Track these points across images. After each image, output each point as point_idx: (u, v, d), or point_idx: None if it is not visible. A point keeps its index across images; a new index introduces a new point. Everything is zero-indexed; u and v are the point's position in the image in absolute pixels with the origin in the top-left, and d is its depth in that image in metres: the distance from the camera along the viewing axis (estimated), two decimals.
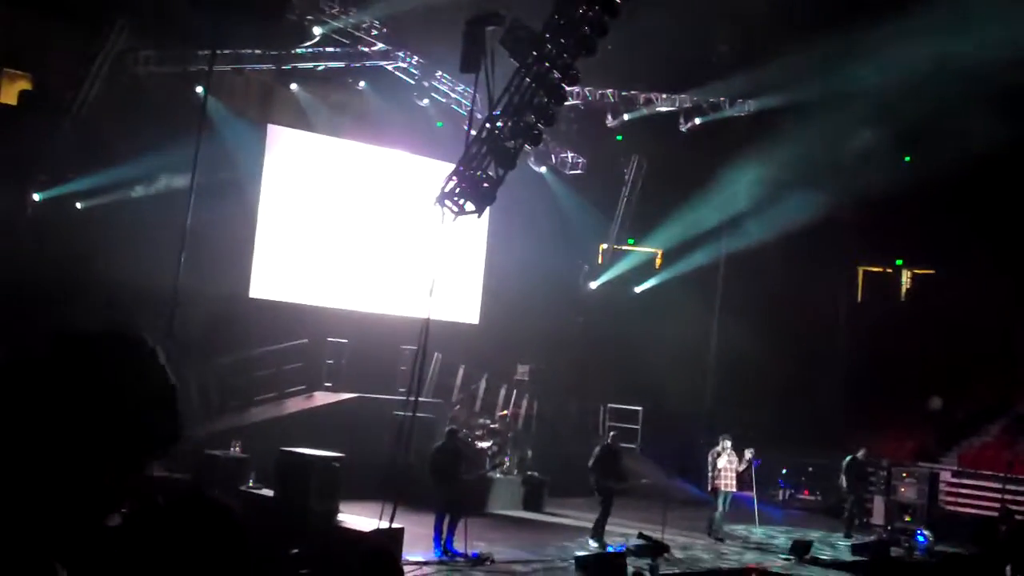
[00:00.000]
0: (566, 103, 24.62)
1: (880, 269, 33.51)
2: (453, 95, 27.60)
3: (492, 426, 23.47)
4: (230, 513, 2.95)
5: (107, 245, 24.46)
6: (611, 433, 20.39)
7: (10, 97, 25.69)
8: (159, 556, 2.92)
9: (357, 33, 25.45)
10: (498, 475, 21.65)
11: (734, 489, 20.55)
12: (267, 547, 14.07)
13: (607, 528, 18.74)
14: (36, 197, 23.71)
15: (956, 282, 30.37)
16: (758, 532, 20.41)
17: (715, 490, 20.45)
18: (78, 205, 24.19)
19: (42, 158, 23.70)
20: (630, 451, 20.38)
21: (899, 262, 33.01)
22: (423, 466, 17.71)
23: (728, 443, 20.56)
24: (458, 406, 23.24)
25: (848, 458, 23.07)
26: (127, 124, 24.59)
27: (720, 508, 20.41)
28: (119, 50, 23.35)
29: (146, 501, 5.53)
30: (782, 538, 20.23)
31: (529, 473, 24.09)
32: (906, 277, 33.50)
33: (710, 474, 20.57)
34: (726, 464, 20.43)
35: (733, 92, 28.66)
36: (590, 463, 19.32)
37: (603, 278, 32.72)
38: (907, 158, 29.91)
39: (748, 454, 20.62)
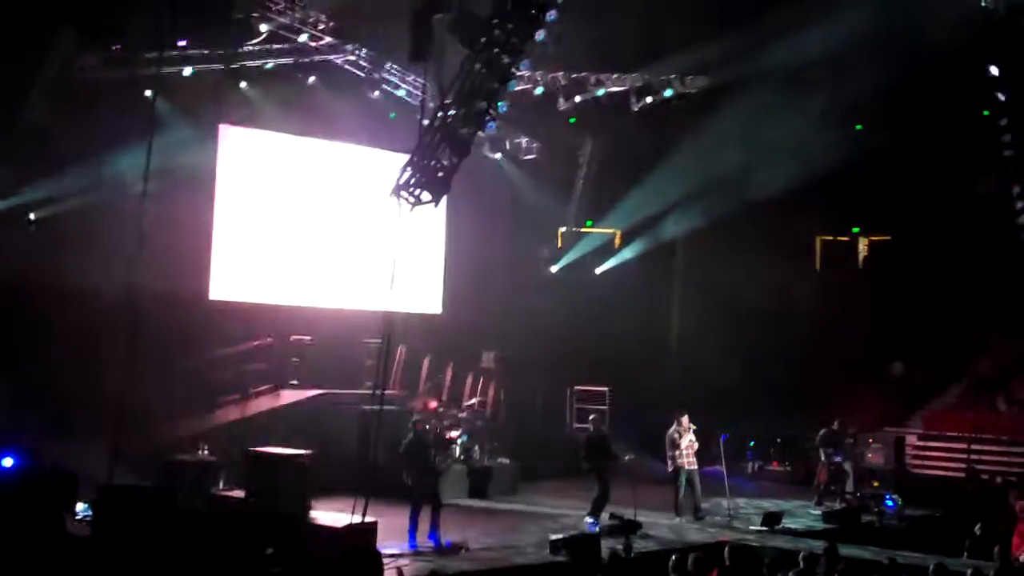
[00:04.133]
0: (517, 88, 24.66)
1: (836, 238, 33.66)
2: (404, 85, 27.49)
3: (460, 415, 23.45)
4: (202, 518, 2.97)
5: (63, 253, 24.27)
6: (591, 417, 20.40)
7: None
8: (131, 564, 2.93)
9: (304, 28, 25.27)
10: (469, 463, 21.60)
11: (695, 466, 20.55)
12: (241, 548, 14.05)
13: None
14: None
15: (912, 247, 30.58)
16: (728, 505, 20.49)
17: (677, 469, 20.44)
18: (31, 216, 23.93)
19: None
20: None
21: (855, 230, 33.17)
22: (393, 459, 17.73)
23: (686, 419, 20.54)
24: (418, 398, 23.21)
25: (823, 430, 23.19)
26: (76, 131, 24.34)
27: (684, 487, 20.41)
28: (64, 57, 23.08)
29: (116, 509, 5.57)
30: (753, 510, 20.35)
31: (499, 460, 24.14)
32: (863, 245, 33.66)
33: (670, 454, 20.54)
34: (688, 443, 20.43)
35: (682, 70, 28.66)
36: (581, 452, 19.43)
37: (563, 261, 32.75)
38: (859, 126, 30.04)
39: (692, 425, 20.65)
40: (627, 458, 20.17)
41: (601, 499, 18.91)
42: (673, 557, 12.70)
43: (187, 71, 23.84)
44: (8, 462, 16.26)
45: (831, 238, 33.46)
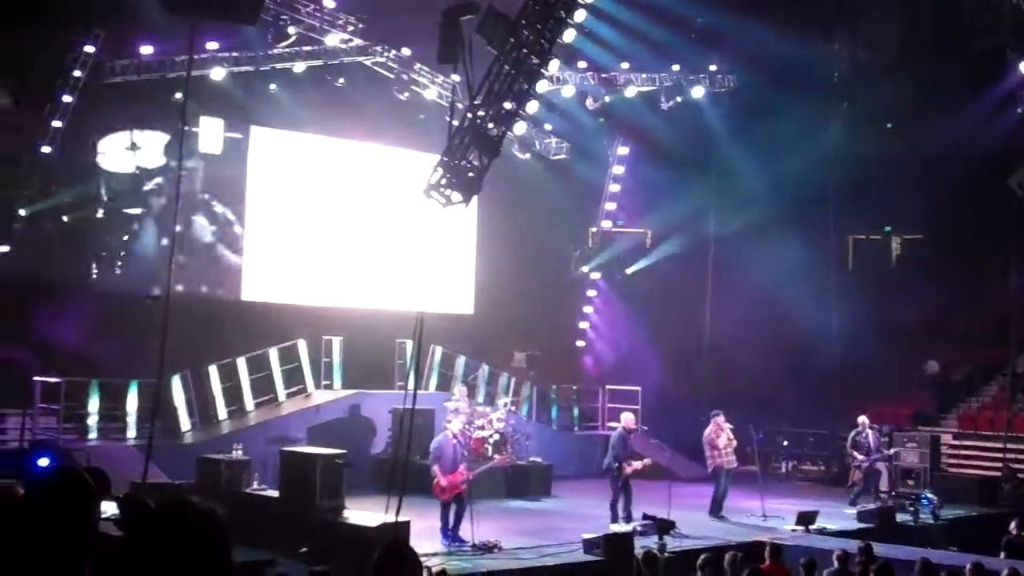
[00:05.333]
0: (546, 88, 24.64)
1: (869, 236, 33.49)
2: (433, 86, 27.53)
3: (493, 415, 23.42)
4: (213, 516, 2.96)
5: (96, 255, 24.46)
6: (624, 415, 20.25)
7: None
8: (147, 558, 2.92)
9: (333, 31, 25.37)
10: (503, 463, 21.51)
11: (735, 465, 20.51)
12: (275, 547, 14.11)
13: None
14: (21, 212, 23.63)
15: (945, 245, 30.39)
16: (763, 506, 20.39)
17: (717, 468, 20.38)
18: (64, 218, 24.13)
19: (25, 173, 23.63)
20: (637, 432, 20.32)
21: (888, 229, 33.01)
22: (425, 459, 17.73)
23: (722, 419, 20.49)
24: (454, 398, 23.19)
25: (854, 431, 23.02)
26: (107, 134, 24.53)
27: (724, 486, 20.37)
28: (95, 60, 23.26)
29: (136, 507, 5.51)
30: (788, 510, 20.23)
31: (532, 460, 24.11)
32: (896, 243, 33.51)
33: (709, 454, 20.48)
34: (727, 442, 20.37)
35: (713, 69, 28.61)
36: (610, 450, 19.26)
37: (594, 261, 32.71)
38: (889, 124, 29.92)
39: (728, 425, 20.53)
40: (653, 460, 19.95)
41: (627, 502, 18.76)
42: (701, 556, 12.65)
43: (217, 74, 23.94)
44: (44, 462, 16.40)
45: (864, 237, 33.29)
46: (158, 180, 24.83)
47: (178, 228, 23.36)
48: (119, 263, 24.67)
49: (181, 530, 2.90)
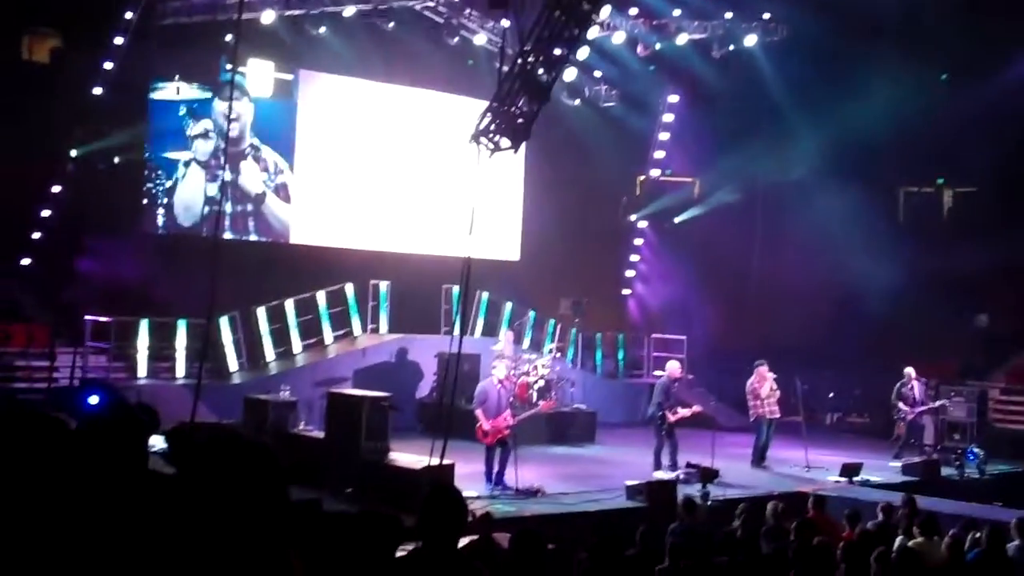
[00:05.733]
0: (597, 34, 24.47)
1: (921, 189, 33.10)
2: (483, 32, 27.38)
3: (539, 362, 23.46)
4: (265, 450, 3.00)
5: (146, 196, 24.64)
6: (670, 364, 20.23)
7: (42, 55, 25.75)
8: (203, 492, 2.97)
9: None
10: (547, 409, 21.54)
11: (778, 415, 20.48)
12: (321, 488, 14.26)
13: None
14: (73, 153, 23.82)
15: (997, 198, 29.97)
16: (807, 457, 20.34)
17: (759, 418, 20.38)
18: (115, 160, 24.30)
19: (76, 114, 23.80)
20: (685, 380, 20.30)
21: (940, 181, 32.59)
22: (470, 404, 17.83)
23: (765, 368, 20.45)
24: (500, 344, 23.23)
25: (900, 382, 22.87)
26: (158, 77, 24.63)
27: (765, 436, 20.37)
28: (147, 2, 23.31)
29: (184, 441, 5.59)
30: (832, 461, 20.19)
31: (576, 407, 24.18)
32: (948, 196, 33.09)
33: (751, 403, 20.46)
34: (769, 391, 20.34)
35: (767, 17, 28.26)
36: (654, 398, 19.29)
37: (643, 210, 32.59)
38: (944, 76, 29.50)
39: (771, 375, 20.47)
40: (700, 409, 19.89)
41: (673, 451, 18.80)
42: (740, 505, 12.67)
43: (267, 17, 23.93)
44: (94, 399, 16.64)
45: (915, 189, 32.92)
46: (206, 124, 24.88)
47: (227, 171, 23.53)
48: (165, 203, 24.78)
49: (241, 457, 2.94)
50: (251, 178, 25.59)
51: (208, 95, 24.95)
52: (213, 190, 24.24)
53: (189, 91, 24.83)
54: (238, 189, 25.27)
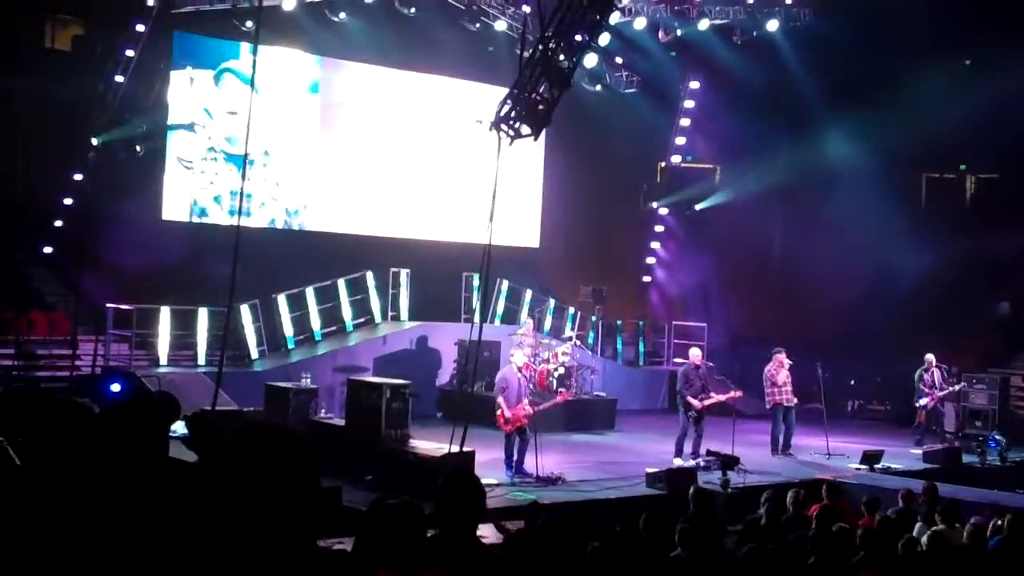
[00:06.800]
0: (618, 20, 24.38)
1: (943, 175, 32.93)
2: (504, 18, 27.33)
3: (559, 349, 23.45)
4: (300, 441, 3.01)
5: (167, 185, 24.69)
6: (692, 351, 20.20)
7: (64, 43, 25.85)
8: (236, 483, 2.98)
9: None
10: (565, 399, 21.53)
11: (795, 402, 20.38)
12: (341, 475, 14.29)
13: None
14: (94, 141, 23.89)
15: (1020, 184, 29.80)
16: (828, 445, 20.29)
17: (776, 405, 20.29)
18: (137, 148, 24.36)
19: (98, 102, 23.87)
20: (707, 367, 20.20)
21: (963, 167, 32.41)
22: (491, 392, 17.84)
23: (783, 355, 20.37)
24: (521, 332, 23.23)
25: (920, 368, 22.77)
26: (178, 64, 24.65)
27: (784, 423, 20.28)
28: None
29: (204, 426, 5.58)
30: (853, 449, 20.13)
31: (597, 394, 24.17)
32: (970, 182, 32.91)
33: (768, 390, 20.39)
34: (786, 378, 20.27)
35: (789, 2, 28.14)
36: (678, 385, 19.29)
37: (663, 197, 32.51)
38: (967, 61, 29.33)
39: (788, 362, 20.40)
40: (728, 396, 19.79)
41: (698, 438, 18.76)
42: (764, 493, 12.63)
43: (288, 4, 23.94)
44: (116, 387, 16.72)
45: (938, 175, 32.75)
46: (228, 111, 24.90)
47: (249, 159, 23.55)
48: (185, 191, 24.83)
49: (277, 445, 2.96)
50: (272, 163, 25.61)
51: (228, 82, 24.96)
52: (234, 179, 24.29)
53: (206, 79, 24.83)
54: (259, 174, 25.30)
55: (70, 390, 18.50)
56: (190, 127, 24.60)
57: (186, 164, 24.51)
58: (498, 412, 16.62)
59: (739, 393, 19.67)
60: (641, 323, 29.49)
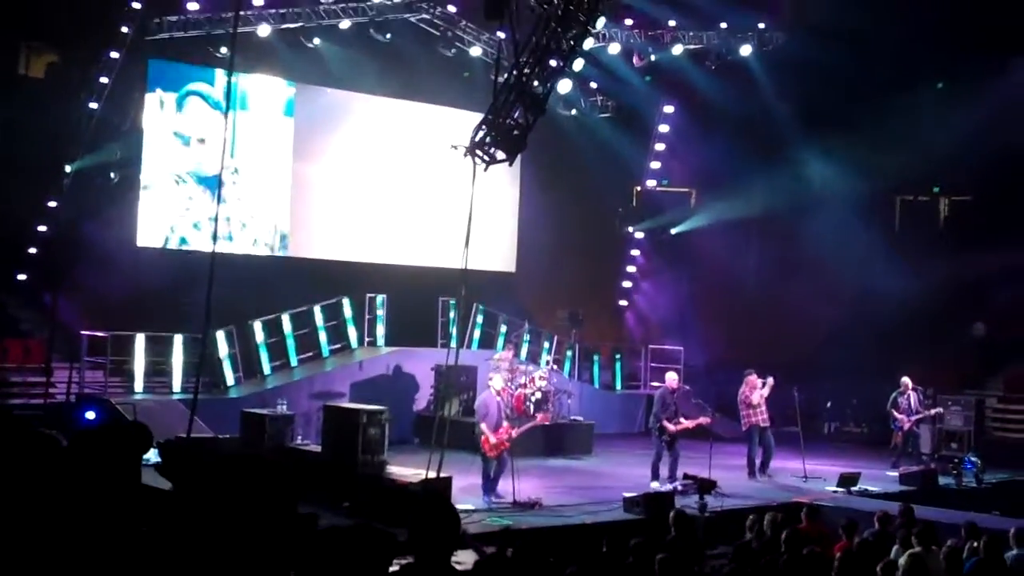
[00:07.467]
0: (592, 45, 24.46)
1: (916, 197, 33.09)
2: (479, 44, 27.41)
3: (536, 373, 23.44)
4: (284, 470, 3.01)
5: (141, 212, 24.61)
6: (668, 375, 20.19)
7: (37, 71, 25.78)
8: (214, 509, 2.97)
9: None
10: (544, 422, 21.50)
11: (770, 424, 20.37)
12: (318, 502, 14.22)
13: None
14: (68, 168, 23.81)
15: (993, 207, 29.98)
16: (804, 467, 20.32)
17: (751, 427, 20.28)
18: (112, 175, 24.30)
19: (72, 128, 23.81)
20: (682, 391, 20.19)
21: (936, 189, 32.60)
22: (468, 417, 17.81)
23: (754, 377, 20.37)
24: (499, 357, 23.20)
25: (896, 391, 22.83)
26: (152, 90, 24.61)
27: (759, 446, 20.27)
28: (142, 17, 23.33)
29: (177, 452, 5.56)
30: (829, 471, 20.17)
31: (574, 418, 24.14)
32: (943, 204, 33.09)
33: (743, 412, 20.39)
34: (760, 399, 20.26)
35: (762, 27, 28.29)
36: (655, 408, 19.26)
37: (641, 223, 32.54)
38: (939, 84, 29.54)
39: (770, 380, 20.39)
40: (694, 422, 19.77)
41: (674, 463, 18.74)
42: (750, 517, 12.62)
43: (263, 31, 23.97)
44: (91, 415, 16.64)
45: (912, 198, 32.92)
46: (201, 138, 24.84)
47: (223, 185, 23.49)
48: (159, 218, 24.76)
49: (259, 471, 2.96)
50: (248, 190, 25.57)
51: (201, 108, 24.92)
52: (209, 205, 24.21)
53: (176, 104, 24.80)
54: (235, 200, 25.25)
55: (44, 418, 18.38)
56: (168, 143, 24.51)
57: (161, 187, 24.43)
58: (482, 437, 16.55)
59: (708, 420, 19.62)
60: (617, 347, 29.49)
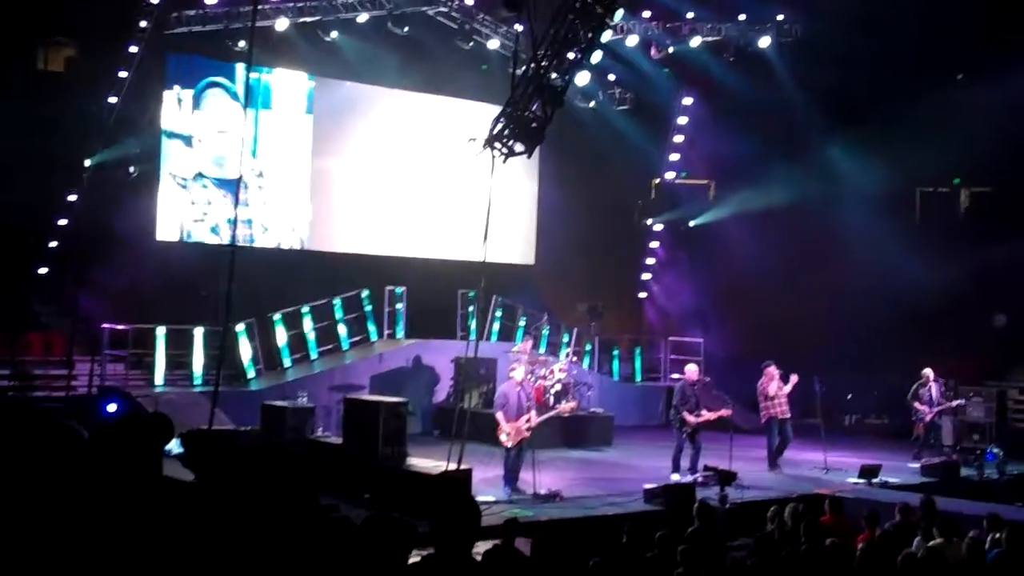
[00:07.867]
0: (611, 37, 24.43)
1: (937, 189, 32.92)
2: (496, 36, 27.39)
3: (555, 366, 23.42)
4: (305, 460, 3.02)
5: (162, 206, 24.67)
6: (688, 367, 20.13)
7: (57, 65, 25.88)
8: (236, 500, 2.98)
9: None
10: (568, 410, 21.45)
11: (789, 415, 20.31)
12: (338, 493, 14.26)
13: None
14: (88, 162, 23.90)
15: (1014, 198, 29.82)
16: (825, 459, 20.26)
17: (771, 419, 20.24)
18: (131, 169, 24.38)
19: (92, 123, 23.89)
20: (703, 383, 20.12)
21: (956, 181, 32.43)
22: (487, 409, 17.80)
23: (773, 368, 20.32)
24: (517, 348, 23.20)
25: (917, 383, 22.75)
26: (171, 85, 24.67)
27: (778, 437, 20.22)
28: (161, 11, 23.39)
29: (200, 443, 5.58)
30: (850, 463, 20.10)
31: (593, 410, 24.14)
32: (964, 196, 32.91)
33: (763, 404, 20.34)
34: (777, 390, 20.19)
35: (781, 18, 28.17)
36: (675, 400, 19.21)
37: (660, 215, 32.48)
38: (960, 76, 29.39)
39: (794, 377, 20.31)
40: (722, 413, 19.69)
41: (695, 455, 18.69)
42: (771, 508, 12.58)
43: (281, 24, 24.00)
44: (112, 407, 16.70)
45: (932, 190, 32.77)
46: (221, 129, 24.89)
47: (242, 178, 23.55)
48: (180, 212, 24.82)
49: (281, 462, 2.97)
50: (266, 183, 25.62)
51: (214, 99, 24.95)
52: (228, 199, 24.27)
53: (194, 99, 24.84)
54: (254, 194, 25.30)
55: (66, 411, 18.48)
56: (187, 139, 24.54)
57: (180, 182, 24.47)
58: (499, 427, 16.54)
59: (729, 412, 19.54)
60: (637, 339, 29.46)
